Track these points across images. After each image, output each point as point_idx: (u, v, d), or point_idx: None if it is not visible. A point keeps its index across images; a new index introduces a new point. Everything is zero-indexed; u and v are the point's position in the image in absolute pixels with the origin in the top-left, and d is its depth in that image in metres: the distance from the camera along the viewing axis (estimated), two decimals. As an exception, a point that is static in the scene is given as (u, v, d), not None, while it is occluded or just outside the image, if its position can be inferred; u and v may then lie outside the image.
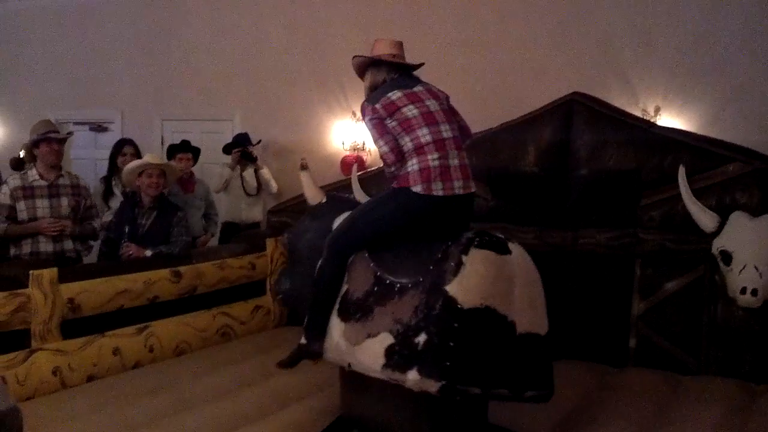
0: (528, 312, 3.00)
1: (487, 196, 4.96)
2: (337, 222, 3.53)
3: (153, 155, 5.44)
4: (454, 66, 6.98)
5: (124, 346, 4.30)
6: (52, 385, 3.87)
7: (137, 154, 5.82)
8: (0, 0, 9.34)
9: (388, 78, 3.41)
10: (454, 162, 3.22)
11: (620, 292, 4.63)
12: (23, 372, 3.75)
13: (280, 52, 7.97)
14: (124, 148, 5.95)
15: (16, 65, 9.38)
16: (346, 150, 7.44)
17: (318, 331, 3.32)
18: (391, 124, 3.25)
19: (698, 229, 4.23)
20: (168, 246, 4.95)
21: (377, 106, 3.27)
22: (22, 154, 6.64)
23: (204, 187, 6.33)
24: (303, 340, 3.38)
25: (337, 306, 3.30)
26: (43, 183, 4.86)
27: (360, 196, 4.96)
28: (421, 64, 3.52)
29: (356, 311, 3.19)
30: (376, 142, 3.31)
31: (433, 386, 2.84)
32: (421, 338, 2.90)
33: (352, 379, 3.37)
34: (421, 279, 3.03)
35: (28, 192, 4.81)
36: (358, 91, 3.59)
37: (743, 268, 3.97)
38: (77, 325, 4.13)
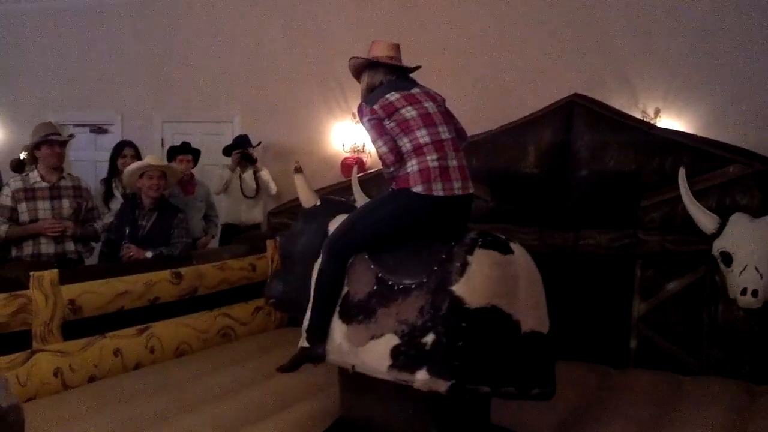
0: (531, 311, 3.03)
1: (487, 197, 4.97)
2: (332, 224, 3.53)
3: (154, 157, 5.44)
4: (455, 67, 6.99)
5: (125, 347, 4.30)
6: (53, 386, 3.87)
7: (137, 156, 5.82)
8: (1, 1, 9.33)
9: (385, 80, 3.41)
10: (453, 163, 3.23)
11: (621, 293, 4.64)
12: (24, 373, 3.75)
13: (280, 54, 7.97)
14: (125, 149, 5.95)
15: (17, 67, 9.37)
16: (346, 152, 7.44)
17: (320, 334, 3.31)
18: (389, 125, 3.26)
19: (699, 231, 4.24)
20: (168, 248, 4.95)
21: (375, 107, 3.27)
22: (22, 155, 6.65)
23: (204, 188, 6.33)
24: (305, 344, 3.36)
25: (338, 308, 3.30)
26: (44, 185, 4.86)
27: (360, 197, 4.96)
28: (418, 67, 3.52)
29: (358, 313, 3.18)
30: (374, 142, 3.31)
31: (442, 386, 2.86)
32: (429, 338, 2.91)
33: (351, 380, 3.37)
34: (425, 280, 3.03)
35: (29, 194, 4.82)
36: (358, 92, 3.58)
37: (744, 269, 3.98)
38: (78, 326, 4.13)
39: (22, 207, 4.78)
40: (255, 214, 7.03)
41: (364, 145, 7.23)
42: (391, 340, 3.02)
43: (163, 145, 8.20)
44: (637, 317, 4.60)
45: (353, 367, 3.19)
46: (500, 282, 2.97)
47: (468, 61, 7.05)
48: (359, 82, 3.53)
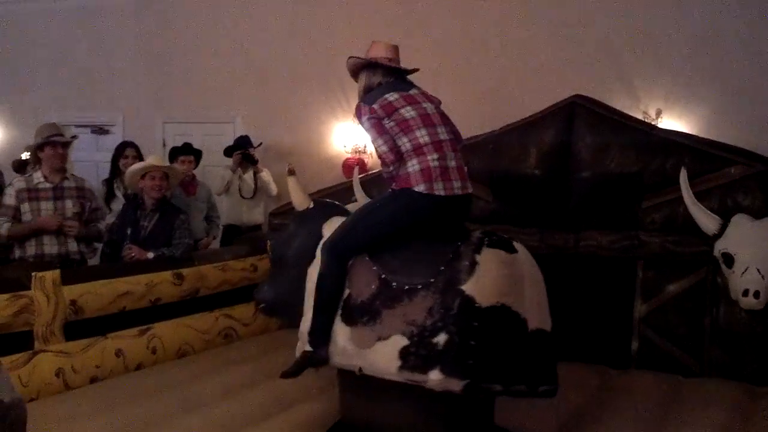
0: (536, 309, 3.06)
1: (489, 198, 4.97)
2: (326, 227, 3.53)
3: (156, 157, 5.45)
4: (456, 69, 6.99)
5: (127, 347, 4.30)
6: (55, 386, 3.87)
7: (139, 157, 5.83)
8: (3, 2, 9.34)
9: (383, 81, 3.41)
10: (452, 163, 3.24)
11: (622, 295, 4.64)
12: (26, 373, 3.75)
13: (281, 55, 7.98)
14: (126, 150, 5.96)
15: (18, 68, 9.38)
16: (347, 152, 7.44)
17: (323, 337, 3.29)
18: (388, 124, 3.26)
19: (700, 232, 4.23)
20: (170, 248, 4.95)
21: (375, 106, 3.27)
22: (24, 156, 6.66)
23: (206, 189, 6.34)
24: (307, 347, 3.34)
25: (339, 311, 3.28)
26: (47, 185, 4.87)
27: (362, 198, 4.96)
28: (416, 69, 3.52)
29: (362, 315, 3.17)
30: (374, 141, 3.31)
31: (457, 385, 2.88)
32: (441, 338, 2.92)
33: (351, 383, 3.37)
34: (432, 280, 3.04)
35: (32, 194, 4.82)
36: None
37: (745, 270, 3.97)
38: (80, 326, 4.13)
39: (25, 207, 4.79)
40: (256, 214, 7.03)
41: (365, 146, 7.24)
42: (399, 341, 3.02)
43: (164, 145, 8.20)
44: (639, 318, 4.60)
45: (360, 369, 3.18)
46: (508, 281, 3.00)
47: (469, 62, 7.05)
48: (356, 82, 3.53)
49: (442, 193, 3.17)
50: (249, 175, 6.95)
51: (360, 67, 3.47)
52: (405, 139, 3.23)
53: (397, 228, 3.25)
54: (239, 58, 8.19)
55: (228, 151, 7.02)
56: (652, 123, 5.78)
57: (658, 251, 4.54)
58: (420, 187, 3.16)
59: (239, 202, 6.91)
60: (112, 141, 7.97)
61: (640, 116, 5.81)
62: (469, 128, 4.92)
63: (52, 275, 4.00)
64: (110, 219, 5.40)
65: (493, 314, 2.93)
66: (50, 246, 4.82)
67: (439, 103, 3.45)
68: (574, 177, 4.78)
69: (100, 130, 9.07)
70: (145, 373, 4.28)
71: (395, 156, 3.24)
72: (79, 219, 4.94)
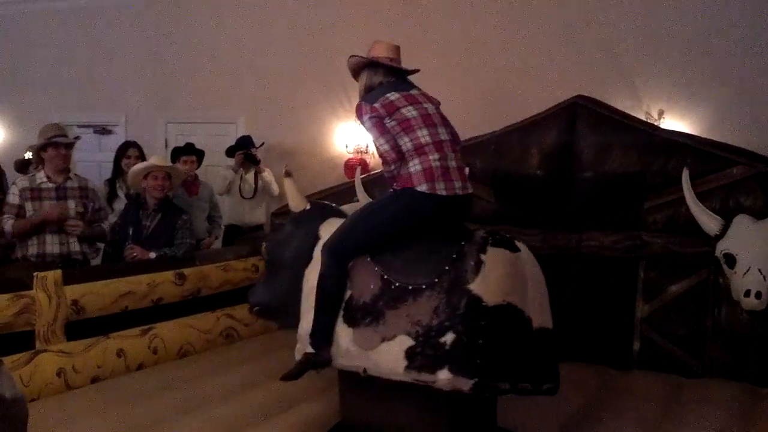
0: (539, 307, 3.08)
1: (491, 198, 4.97)
2: (323, 228, 3.52)
3: (159, 157, 5.46)
4: (458, 69, 7.00)
5: (128, 347, 4.30)
6: (56, 386, 3.87)
7: (142, 157, 5.83)
8: (4, 2, 9.36)
9: (384, 81, 3.40)
10: (453, 163, 3.25)
11: (624, 295, 4.63)
12: (28, 373, 3.75)
13: (283, 55, 7.99)
14: (129, 150, 5.96)
15: (21, 68, 9.41)
16: (349, 153, 7.45)
17: (325, 339, 3.28)
18: (390, 123, 3.26)
19: (702, 232, 4.23)
20: (172, 248, 4.96)
21: (376, 105, 3.27)
22: (28, 155, 6.67)
23: (208, 189, 6.35)
24: (309, 349, 3.32)
25: (341, 312, 3.27)
26: (50, 185, 4.88)
27: (364, 198, 4.97)
28: (417, 70, 3.52)
29: (365, 316, 3.16)
30: (376, 140, 3.30)
31: (465, 384, 2.88)
32: (448, 338, 2.93)
33: (352, 384, 3.36)
34: (436, 280, 3.04)
35: (35, 194, 4.84)
36: (362, 94, 3.59)
37: (747, 270, 3.97)
38: (81, 326, 4.14)
39: (29, 206, 4.80)
40: (258, 215, 7.04)
41: (367, 146, 7.24)
42: (404, 341, 3.02)
43: (166, 146, 8.22)
44: (641, 319, 4.59)
45: (365, 370, 3.17)
46: (513, 279, 3.02)
47: (471, 63, 7.05)
48: (357, 81, 3.53)
49: (444, 193, 3.17)
50: (251, 176, 6.95)
51: (361, 67, 3.47)
52: (406, 139, 3.23)
53: (399, 228, 3.25)
54: (242, 58, 8.20)
55: (230, 151, 7.02)
56: (654, 123, 5.78)
57: (660, 252, 4.53)
58: (422, 187, 3.16)
59: (241, 202, 6.91)
60: (114, 141, 7.98)
61: (642, 116, 5.80)
62: (470, 128, 4.94)
63: (53, 275, 4.00)
64: (112, 219, 5.41)
65: (500, 313, 2.94)
66: (52, 246, 4.82)
67: (439, 104, 3.45)
68: (576, 177, 4.78)
69: (103, 130, 9.08)
70: (147, 373, 4.28)
71: (397, 155, 3.24)
72: (82, 219, 4.94)
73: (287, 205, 5.96)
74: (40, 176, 4.91)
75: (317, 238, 3.49)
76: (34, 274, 3.96)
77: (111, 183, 5.89)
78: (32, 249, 4.79)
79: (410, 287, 3.09)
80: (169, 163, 5.56)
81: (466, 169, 4.79)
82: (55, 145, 4.88)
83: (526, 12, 6.91)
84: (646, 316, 4.58)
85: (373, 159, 7.18)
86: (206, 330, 4.83)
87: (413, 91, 3.38)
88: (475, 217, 4.60)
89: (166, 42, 8.63)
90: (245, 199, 6.88)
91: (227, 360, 4.55)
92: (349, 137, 7.43)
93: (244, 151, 6.88)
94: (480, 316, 2.92)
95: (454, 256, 3.08)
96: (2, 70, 9.49)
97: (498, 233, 3.19)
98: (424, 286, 3.06)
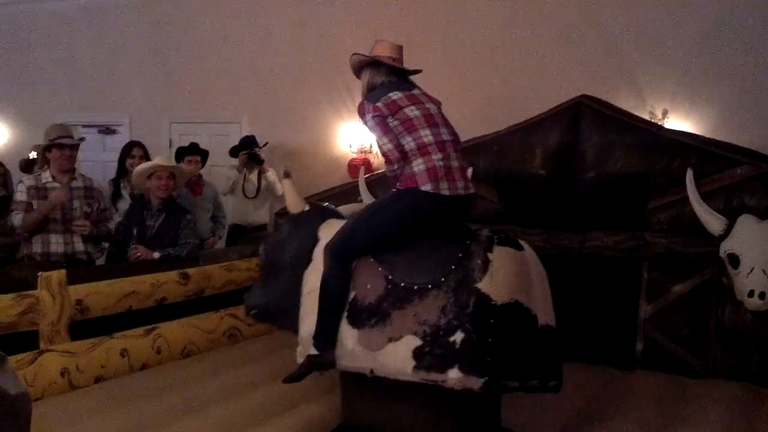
0: (543, 305, 3.11)
1: (494, 198, 4.97)
2: (322, 230, 3.51)
3: (163, 157, 5.47)
4: (461, 69, 7.00)
5: (132, 347, 4.30)
6: (60, 386, 3.87)
7: (146, 157, 5.85)
8: (8, 3, 9.38)
9: (386, 80, 3.40)
10: (455, 163, 3.26)
11: (627, 295, 4.62)
12: (31, 373, 3.76)
13: (287, 55, 8.00)
14: (133, 150, 5.98)
15: (25, 68, 9.43)
16: (353, 152, 7.46)
17: (330, 340, 3.26)
18: (392, 123, 3.26)
19: (706, 232, 4.22)
20: (176, 248, 4.97)
21: (379, 104, 3.28)
22: (32, 155, 6.69)
23: (212, 189, 6.36)
24: (313, 351, 3.30)
25: (345, 313, 3.25)
26: (56, 185, 4.90)
27: (367, 198, 4.97)
28: (419, 71, 3.52)
29: (370, 317, 3.16)
30: (379, 139, 3.31)
31: (476, 383, 2.89)
32: (458, 337, 2.93)
33: (354, 385, 3.37)
34: (443, 279, 3.05)
35: (41, 193, 4.87)
36: (365, 94, 3.59)
37: (751, 271, 3.96)
38: (85, 326, 4.14)
39: (35, 205, 4.82)
40: (262, 214, 7.05)
41: (370, 146, 7.25)
42: (411, 341, 3.02)
43: (170, 145, 8.24)
44: (644, 319, 4.58)
45: (372, 371, 3.16)
46: (519, 278, 3.04)
47: (475, 62, 7.05)
48: (359, 78, 3.53)
49: (447, 192, 3.18)
50: (254, 175, 6.96)
51: (363, 65, 3.47)
52: (409, 138, 3.23)
53: (402, 228, 3.25)
54: (245, 58, 8.22)
55: (234, 151, 7.04)
56: (658, 123, 5.77)
57: (663, 252, 4.52)
58: (426, 187, 3.17)
59: (245, 202, 6.92)
60: (118, 141, 8.00)
61: (646, 116, 5.80)
62: (473, 128, 4.94)
63: (58, 275, 4.01)
64: (116, 219, 5.43)
65: (508, 311, 2.96)
66: (56, 245, 4.84)
67: (440, 104, 3.45)
68: (579, 177, 4.77)
69: (107, 130, 9.11)
70: (150, 373, 4.28)
71: (400, 154, 3.25)
72: (88, 218, 4.96)
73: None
74: (46, 176, 4.93)
75: (317, 239, 3.49)
76: (39, 273, 3.97)
77: (115, 183, 5.91)
78: (37, 247, 4.81)
79: (416, 287, 3.09)
80: (174, 163, 5.57)
81: (470, 169, 4.83)
82: (59, 147, 4.89)
83: (529, 12, 6.90)
84: (649, 316, 4.57)
85: (377, 159, 7.19)
86: (210, 330, 4.84)
87: (415, 91, 3.39)
88: (478, 217, 4.61)
89: (171, 42, 8.65)
90: (249, 198, 6.89)
91: (230, 360, 4.55)
92: (353, 137, 7.44)
93: (247, 150, 6.90)
94: (489, 315, 2.94)
95: (461, 255, 3.08)
96: (7, 70, 9.52)
97: (502, 232, 3.20)
98: (430, 286, 3.06)
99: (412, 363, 3.01)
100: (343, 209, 3.85)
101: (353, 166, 7.20)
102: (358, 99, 3.47)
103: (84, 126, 8.96)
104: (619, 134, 4.70)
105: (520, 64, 6.88)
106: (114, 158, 6.26)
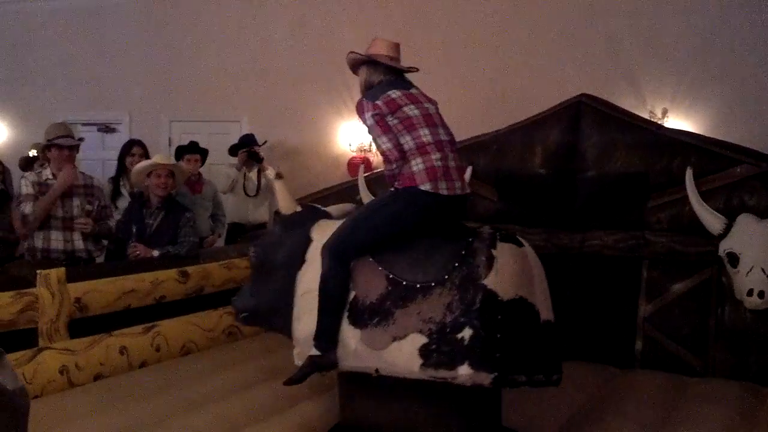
0: (544, 300, 3.12)
1: (494, 197, 4.96)
2: (315, 231, 3.49)
3: (162, 155, 5.46)
4: (462, 68, 7.00)
5: (131, 345, 4.30)
6: (59, 383, 3.86)
7: (146, 155, 5.85)
8: (9, 1, 9.38)
9: (384, 79, 3.39)
10: (452, 164, 3.26)
11: (627, 294, 4.62)
12: (30, 371, 3.75)
13: (287, 54, 8.00)
14: (133, 148, 5.99)
15: (25, 66, 9.43)
16: (352, 151, 7.46)
17: (331, 341, 3.23)
18: (392, 121, 3.25)
19: (705, 231, 4.22)
20: (175, 247, 4.97)
21: (378, 102, 3.26)
22: (32, 153, 6.70)
23: (212, 187, 6.36)
24: (314, 352, 3.26)
25: (346, 314, 3.22)
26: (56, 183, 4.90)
27: (367, 197, 4.97)
28: (416, 69, 3.50)
29: (373, 316, 3.14)
30: (378, 138, 3.29)
31: (486, 378, 2.91)
32: (466, 333, 2.94)
33: (353, 385, 3.36)
34: (446, 276, 3.04)
35: (43, 188, 4.86)
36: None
37: (750, 270, 3.96)
38: (84, 324, 4.13)
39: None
40: (261, 213, 7.05)
41: (370, 145, 7.25)
42: (417, 339, 3.02)
43: (170, 144, 8.25)
44: (643, 318, 4.58)
45: (377, 370, 3.15)
46: (522, 274, 3.07)
47: (475, 62, 7.05)
48: (356, 75, 3.51)
49: (445, 192, 3.18)
50: (254, 174, 6.96)
51: (360, 63, 3.46)
52: (408, 137, 3.22)
53: (402, 227, 3.23)
54: (245, 57, 8.22)
55: (233, 150, 7.04)
56: (659, 122, 5.77)
57: (663, 251, 4.52)
58: (426, 186, 3.16)
59: (244, 201, 6.93)
60: (118, 139, 8.01)
61: (646, 115, 5.81)
62: (473, 127, 4.95)
63: (56, 273, 4.00)
64: (116, 217, 5.42)
65: (514, 307, 2.98)
66: (57, 242, 4.84)
67: (437, 104, 3.44)
68: (579, 176, 4.77)
69: (107, 129, 9.11)
70: (149, 371, 4.27)
71: (399, 153, 3.23)
72: (89, 216, 4.96)
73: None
74: (47, 173, 4.94)
75: (310, 240, 3.46)
76: (38, 271, 3.96)
77: (115, 181, 5.91)
78: (38, 242, 4.82)
79: (419, 285, 3.08)
80: (173, 161, 5.56)
81: (470, 168, 4.83)
82: (58, 147, 4.89)
83: (529, 11, 6.90)
84: (649, 315, 4.57)
85: (377, 157, 7.19)
86: (209, 328, 4.83)
87: (413, 90, 3.38)
88: (478, 216, 4.62)
89: (171, 41, 8.65)
90: (249, 197, 6.89)
91: (230, 358, 4.54)
92: (353, 136, 7.44)
93: (247, 149, 6.89)
94: (496, 311, 2.95)
95: (464, 252, 3.08)
96: (7, 68, 9.51)
97: (501, 229, 3.22)
98: (433, 284, 3.06)
99: (419, 361, 3.00)
100: (332, 209, 3.81)
101: (353, 165, 7.21)
102: (358, 98, 3.46)
103: (84, 124, 8.96)
104: (619, 133, 4.70)
105: (520, 63, 6.88)
106: (113, 156, 6.26)
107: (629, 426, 3.53)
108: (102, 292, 4.23)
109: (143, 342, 4.37)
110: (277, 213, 6.06)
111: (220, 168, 7.15)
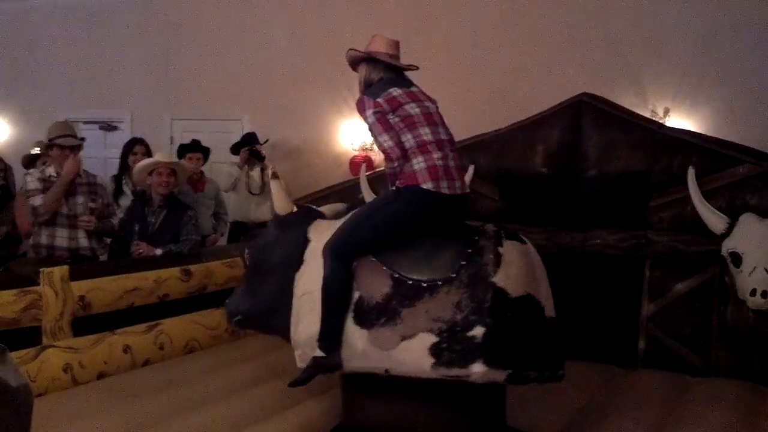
0: (547, 297, 3.14)
1: (495, 196, 4.97)
2: (313, 231, 3.46)
3: (163, 154, 5.46)
4: (463, 67, 6.99)
5: (135, 343, 4.31)
6: (63, 382, 3.88)
7: (148, 154, 5.85)
8: (11, 0, 9.39)
9: (384, 76, 3.38)
10: (452, 163, 3.26)
11: (629, 294, 4.63)
12: (34, 369, 3.76)
13: (289, 53, 8.00)
14: (135, 147, 5.98)
15: (27, 65, 9.42)
16: (354, 150, 7.46)
17: (336, 342, 3.20)
18: (393, 119, 3.24)
19: (708, 231, 4.23)
20: (177, 245, 4.97)
21: (380, 100, 3.25)
22: (35, 150, 6.69)
23: (214, 186, 6.37)
24: (318, 353, 3.23)
25: (351, 314, 3.20)
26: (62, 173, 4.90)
27: (368, 195, 4.97)
28: (415, 67, 3.49)
29: (379, 316, 3.12)
30: (379, 135, 3.26)
31: (500, 375, 2.94)
32: (478, 331, 2.94)
33: (354, 385, 3.36)
34: (453, 275, 3.04)
35: (48, 185, 4.87)
36: (367, 92, 3.58)
37: (753, 269, 3.97)
38: (88, 322, 4.14)
39: None
40: (263, 211, 7.03)
41: (372, 144, 7.24)
42: (426, 338, 3.01)
43: (172, 142, 8.24)
44: (646, 318, 4.59)
45: (387, 370, 3.14)
46: (529, 271, 3.09)
47: (477, 61, 7.05)
48: (355, 72, 3.51)
49: (447, 191, 3.18)
50: (256, 172, 6.96)
51: (359, 60, 3.45)
52: (409, 136, 3.22)
53: (404, 225, 3.22)
54: (247, 55, 8.21)
55: (235, 148, 7.03)
56: (660, 121, 5.77)
57: (665, 250, 4.53)
58: (428, 185, 3.16)
59: (247, 199, 6.92)
60: (120, 137, 8.00)
61: (647, 115, 5.80)
62: (475, 126, 4.95)
63: (60, 271, 4.01)
64: (119, 215, 5.43)
65: (522, 304, 3.00)
66: (62, 239, 4.85)
67: (437, 103, 3.44)
68: (581, 175, 4.78)
69: (109, 127, 9.10)
70: (153, 369, 4.28)
71: (401, 152, 3.22)
72: (93, 214, 4.96)
73: (293, 201, 6.03)
74: (50, 171, 4.94)
75: (307, 240, 3.44)
76: (41, 270, 3.97)
77: (117, 179, 5.91)
78: (44, 239, 4.82)
79: (425, 284, 3.07)
80: (175, 159, 5.56)
81: (471, 168, 4.83)
82: (60, 147, 4.90)
83: (531, 10, 6.90)
84: (652, 314, 4.58)
85: (378, 156, 7.18)
86: (212, 326, 4.84)
87: (413, 89, 3.38)
88: (479, 215, 4.62)
89: (172, 39, 8.64)
90: (253, 195, 6.89)
91: (232, 356, 4.55)
92: (354, 134, 7.44)
93: (248, 147, 6.89)
94: (506, 308, 2.97)
95: (470, 250, 3.07)
96: (9, 66, 9.51)
97: (503, 227, 3.22)
98: (440, 282, 3.05)
99: (431, 360, 3.00)
100: (324, 209, 3.77)
101: (355, 164, 7.21)
102: (359, 96, 3.44)
103: (85, 123, 8.95)
104: (620, 133, 4.70)
105: (522, 63, 6.88)
106: (115, 155, 6.26)
107: (632, 425, 3.54)
108: (105, 290, 4.24)
109: (146, 340, 4.39)
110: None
111: (221, 166, 7.14)
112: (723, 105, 6.14)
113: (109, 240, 5.27)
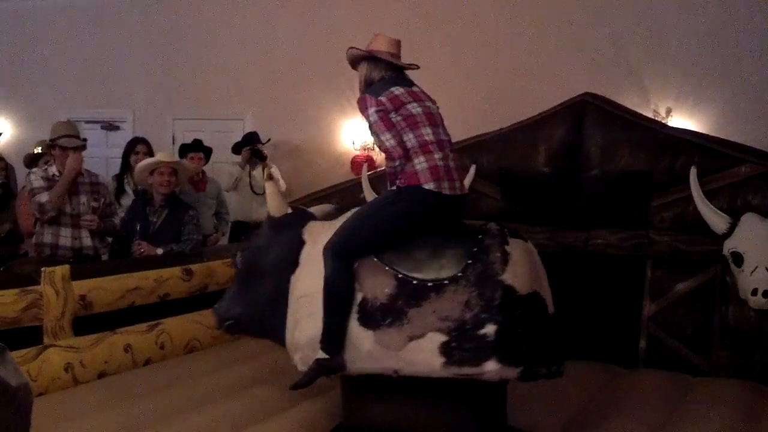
0: (548, 294, 3.16)
1: (498, 196, 4.96)
2: (308, 232, 3.43)
3: (165, 153, 5.47)
4: (466, 66, 6.99)
5: (136, 343, 4.31)
6: (63, 381, 3.88)
7: (150, 153, 5.86)
8: (13, -1, 9.40)
9: (385, 75, 3.37)
10: (452, 164, 3.26)
11: (631, 293, 4.62)
12: (35, 368, 3.76)
13: (291, 52, 8.00)
14: (137, 146, 5.99)
15: (29, 64, 9.43)
16: (356, 149, 7.46)
17: (338, 343, 3.17)
18: (395, 118, 3.23)
19: (710, 231, 4.22)
20: (179, 245, 4.97)
21: (382, 98, 3.24)
22: (37, 150, 6.70)
23: (216, 186, 6.37)
24: (321, 355, 3.19)
25: (355, 315, 3.16)
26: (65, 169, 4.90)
27: (370, 195, 4.97)
28: (416, 66, 3.47)
29: (385, 317, 3.09)
30: (381, 134, 3.25)
31: (513, 372, 2.95)
32: (489, 329, 2.94)
33: (354, 385, 3.35)
34: (459, 274, 3.03)
35: (51, 184, 4.87)
36: (369, 91, 3.58)
37: (754, 269, 3.96)
38: (89, 322, 4.14)
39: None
40: (265, 211, 7.03)
41: (374, 143, 7.24)
42: (435, 338, 3.00)
43: (173, 142, 8.25)
44: (647, 317, 4.58)
45: (396, 371, 3.11)
46: (534, 268, 3.12)
47: (479, 60, 7.05)
48: (355, 70, 3.49)
49: (448, 192, 3.18)
50: (258, 172, 6.96)
51: (360, 59, 3.44)
52: (411, 135, 3.21)
53: (406, 225, 3.21)
54: (249, 55, 8.21)
55: (236, 148, 7.04)
56: (662, 121, 5.76)
57: (667, 250, 4.52)
58: (429, 185, 3.15)
59: (250, 199, 6.92)
60: (121, 137, 8.01)
61: (650, 114, 5.79)
62: (477, 126, 4.95)
63: (61, 270, 4.01)
64: (120, 215, 5.43)
65: (530, 301, 3.02)
66: (65, 238, 4.85)
67: (436, 103, 3.43)
68: (583, 175, 4.77)
69: (110, 126, 9.11)
70: (154, 369, 4.28)
71: (403, 151, 3.21)
72: (94, 213, 4.96)
73: (295, 201, 6.03)
74: (53, 170, 4.94)
75: (302, 242, 3.40)
76: (42, 269, 3.97)
77: (119, 179, 5.92)
78: (47, 238, 4.82)
79: (430, 283, 3.05)
80: (176, 159, 5.57)
81: (473, 167, 4.83)
82: (62, 147, 4.90)
83: (533, 9, 6.89)
84: (653, 314, 4.57)
85: (380, 156, 7.18)
86: (213, 326, 4.82)
87: (414, 88, 3.37)
88: (481, 214, 4.61)
89: (174, 38, 8.65)
90: (256, 194, 6.89)
91: (233, 356, 4.55)
92: (356, 134, 7.44)
93: (250, 147, 6.89)
94: (515, 306, 2.98)
95: (475, 249, 3.07)
96: (11, 66, 9.52)
97: (505, 225, 3.23)
98: (446, 281, 3.04)
99: (441, 359, 2.98)
100: (313, 210, 3.74)
101: (356, 163, 7.21)
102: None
103: (87, 122, 8.96)
104: (623, 132, 4.69)
105: (524, 62, 6.88)
106: (117, 154, 6.26)
107: (633, 425, 3.53)
108: (106, 289, 4.24)
109: (148, 340, 4.38)
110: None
111: (223, 166, 7.14)
112: (725, 105, 6.14)
113: (110, 239, 5.27)
